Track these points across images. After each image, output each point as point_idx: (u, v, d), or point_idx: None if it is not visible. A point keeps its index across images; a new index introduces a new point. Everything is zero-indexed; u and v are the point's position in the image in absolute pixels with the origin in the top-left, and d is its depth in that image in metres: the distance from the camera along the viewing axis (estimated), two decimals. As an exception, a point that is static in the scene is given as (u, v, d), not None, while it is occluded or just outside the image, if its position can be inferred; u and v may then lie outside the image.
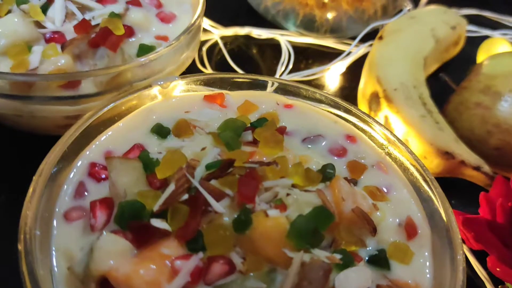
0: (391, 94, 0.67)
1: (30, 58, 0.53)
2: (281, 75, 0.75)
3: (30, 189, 0.39)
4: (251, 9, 0.89)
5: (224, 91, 0.53)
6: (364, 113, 0.53)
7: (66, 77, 0.50)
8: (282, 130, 0.48)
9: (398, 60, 0.71)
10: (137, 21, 0.60)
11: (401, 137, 0.65)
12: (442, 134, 0.64)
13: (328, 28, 0.86)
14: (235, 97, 0.53)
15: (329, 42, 0.88)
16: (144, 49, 0.58)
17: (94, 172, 0.44)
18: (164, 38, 0.61)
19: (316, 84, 0.80)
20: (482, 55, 0.86)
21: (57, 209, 0.41)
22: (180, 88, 0.52)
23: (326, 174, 0.44)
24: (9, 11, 0.58)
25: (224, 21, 0.87)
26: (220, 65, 0.79)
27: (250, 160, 0.44)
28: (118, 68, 0.51)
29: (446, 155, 0.63)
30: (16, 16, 0.55)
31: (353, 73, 0.82)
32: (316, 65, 0.84)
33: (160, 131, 0.48)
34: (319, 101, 0.54)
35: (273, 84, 0.54)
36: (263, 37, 0.86)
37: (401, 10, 0.90)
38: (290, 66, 0.77)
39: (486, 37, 0.95)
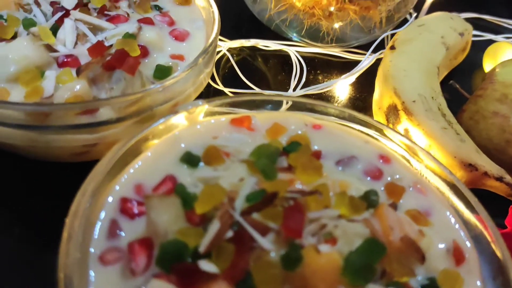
0: (410, 106, 0.65)
1: (44, 85, 0.50)
2: (295, 89, 0.73)
3: (65, 235, 0.36)
4: (253, 19, 0.87)
5: (250, 113, 0.51)
6: (395, 131, 0.51)
7: (86, 106, 0.47)
8: (318, 155, 0.47)
9: (413, 71, 0.70)
10: (151, 41, 0.58)
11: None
12: (464, 146, 0.63)
13: (333, 38, 0.84)
14: (261, 119, 0.51)
15: (334, 51, 0.87)
16: (161, 70, 0.56)
17: (127, 208, 0.41)
18: (180, 57, 0.59)
19: (327, 96, 0.78)
20: (488, 60, 0.86)
21: (91, 251, 0.39)
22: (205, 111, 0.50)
23: (371, 201, 0.42)
24: (15, 34, 0.55)
25: (228, 32, 0.84)
26: (230, 79, 0.76)
27: (289, 189, 0.42)
28: (139, 94, 0.49)
29: (470, 167, 0.62)
30: (26, 39, 0.52)
31: (362, 82, 0.81)
32: (325, 75, 0.82)
33: (190, 160, 0.46)
34: (349, 119, 0.52)
35: (299, 103, 0.52)
36: (270, 48, 0.83)
37: (406, 18, 0.89)
38: (303, 79, 0.75)
39: (489, 41, 0.95)
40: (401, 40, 0.76)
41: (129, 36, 0.55)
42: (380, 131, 0.51)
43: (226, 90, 0.71)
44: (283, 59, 0.84)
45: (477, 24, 1.00)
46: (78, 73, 0.51)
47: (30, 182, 0.57)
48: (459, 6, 1.02)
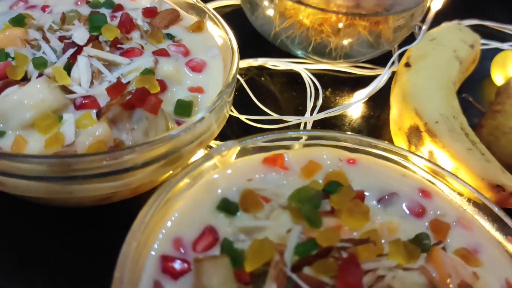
0: (433, 127, 0.64)
1: (63, 130, 0.47)
2: (312, 112, 0.71)
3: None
4: (255, 35, 0.85)
5: (282, 151, 0.49)
6: (433, 163, 0.49)
7: (114, 156, 0.44)
8: (361, 196, 0.45)
9: (432, 89, 0.69)
10: (169, 74, 0.55)
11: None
12: (490, 167, 0.62)
13: (342, 54, 0.83)
14: (294, 156, 0.49)
15: (342, 67, 0.85)
16: (183, 106, 0.53)
17: (168, 267, 0.39)
18: (199, 90, 0.56)
19: (341, 115, 0.77)
20: (496, 70, 0.86)
21: (137, 320, 0.36)
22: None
23: (423, 246, 0.41)
24: (25, 74, 0.51)
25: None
26: (242, 103, 0.74)
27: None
28: (167, 140, 0.46)
29: (497, 188, 0.61)
30: (40, 82, 0.49)
31: (375, 99, 0.79)
32: (337, 93, 0.81)
33: (228, 207, 0.43)
34: (384, 150, 0.50)
35: (332, 138, 0.50)
36: (279, 68, 0.81)
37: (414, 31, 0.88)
38: (320, 100, 0.73)
39: (494, 50, 0.95)
40: (415, 56, 0.74)
41: (148, 72, 0.52)
42: (416, 162, 0.49)
43: (243, 117, 0.69)
44: (292, 78, 0.82)
45: (480, 31, 0.99)
46: (98, 116, 0.48)
47: (48, 228, 0.54)
48: (461, 14, 1.01)
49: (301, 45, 0.82)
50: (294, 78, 0.82)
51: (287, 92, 0.79)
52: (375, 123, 0.77)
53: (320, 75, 0.82)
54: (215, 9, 0.89)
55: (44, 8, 0.62)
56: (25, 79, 0.52)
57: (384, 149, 0.50)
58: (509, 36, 1.01)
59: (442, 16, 0.96)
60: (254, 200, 0.44)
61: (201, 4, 0.63)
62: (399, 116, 0.69)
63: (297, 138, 0.50)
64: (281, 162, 0.48)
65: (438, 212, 0.47)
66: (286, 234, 0.40)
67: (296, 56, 0.84)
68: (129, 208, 0.57)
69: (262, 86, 0.80)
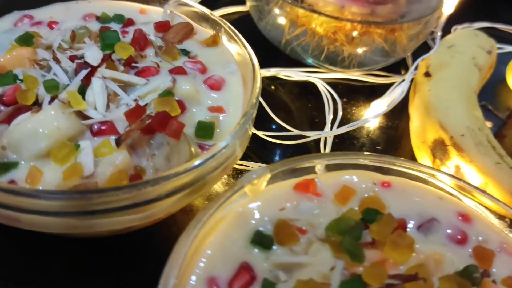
0: (459, 141, 0.62)
1: (81, 160, 0.44)
2: (332, 125, 0.69)
3: None
4: (264, 42, 0.82)
5: (313, 176, 0.46)
6: (468, 183, 0.47)
7: (139, 190, 0.41)
8: (403, 226, 0.42)
9: (455, 100, 0.67)
10: (187, 94, 0.52)
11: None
12: (520, 181, 0.60)
13: (356, 62, 0.80)
14: (326, 181, 0.46)
15: (355, 75, 0.82)
16: (204, 128, 0.50)
17: (205, 311, 0.36)
18: (219, 110, 0.53)
19: (358, 127, 0.74)
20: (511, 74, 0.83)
21: None
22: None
23: (473, 279, 0.38)
24: (36, 98, 0.48)
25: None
26: (257, 117, 0.71)
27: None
28: (194, 168, 0.43)
29: (528, 203, 0.59)
30: (53, 108, 0.45)
31: (392, 109, 0.77)
32: (352, 103, 0.78)
33: (262, 241, 0.40)
34: (419, 171, 0.48)
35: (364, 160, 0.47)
36: (293, 78, 0.78)
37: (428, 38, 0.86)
38: (340, 113, 0.71)
39: (508, 54, 0.93)
40: (435, 65, 0.72)
41: (167, 94, 0.49)
42: (454, 185, 0.47)
43: (260, 133, 0.66)
44: (306, 88, 0.79)
45: (491, 34, 0.97)
46: (118, 143, 0.45)
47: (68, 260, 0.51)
48: (471, 17, 0.99)
49: (313, 54, 0.80)
50: (307, 89, 0.79)
51: (302, 103, 0.77)
52: (394, 134, 0.74)
53: (334, 85, 0.80)
54: (221, 16, 0.87)
55: (51, 25, 0.59)
56: (36, 103, 0.48)
57: (420, 171, 0.48)
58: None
59: (452, 20, 0.94)
60: (289, 232, 0.41)
61: (216, 17, 0.61)
62: (421, 129, 0.66)
63: (327, 161, 0.47)
64: (313, 188, 0.45)
65: (480, 238, 0.44)
66: (329, 272, 0.37)
67: (307, 65, 0.82)
68: (149, 236, 0.54)
69: (275, 97, 0.77)
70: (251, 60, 0.55)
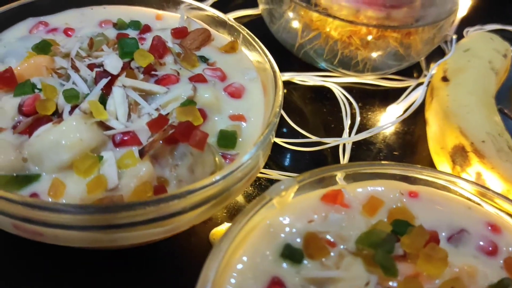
0: (480, 147, 0.61)
1: (105, 172, 0.43)
2: (350, 132, 0.68)
3: None
4: (275, 44, 0.81)
5: (340, 186, 0.46)
6: (499, 194, 0.46)
7: (167, 202, 0.40)
8: (436, 238, 0.41)
9: (473, 105, 0.66)
10: (208, 102, 0.51)
11: (499, 195, 0.59)
12: (541, 187, 0.59)
13: (370, 66, 0.79)
14: (353, 191, 0.46)
15: (369, 79, 0.82)
16: (226, 137, 0.50)
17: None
18: (240, 118, 0.52)
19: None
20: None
21: None
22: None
23: (510, 294, 0.38)
24: (56, 107, 0.47)
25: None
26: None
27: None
28: (220, 181, 0.42)
29: (550, 210, 0.58)
30: (75, 119, 0.44)
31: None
32: (368, 108, 0.77)
33: (293, 255, 0.40)
34: (446, 181, 0.47)
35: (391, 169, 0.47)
36: (307, 83, 0.78)
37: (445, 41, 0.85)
38: (358, 119, 0.70)
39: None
40: (452, 70, 0.71)
41: (189, 103, 0.48)
42: (483, 195, 0.46)
43: (279, 140, 0.65)
44: (321, 93, 0.78)
45: (502, 36, 0.97)
46: (142, 154, 0.44)
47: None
48: (482, 19, 0.99)
49: (326, 58, 0.79)
50: (322, 93, 0.78)
51: (316, 108, 0.76)
52: (410, 139, 0.74)
53: (348, 89, 0.79)
54: (234, 19, 0.86)
55: (66, 31, 0.58)
56: (56, 113, 0.48)
57: (446, 180, 0.47)
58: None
59: (464, 23, 0.94)
60: (319, 245, 0.40)
61: (234, 23, 0.60)
62: (440, 135, 0.65)
63: (354, 171, 0.47)
64: (340, 199, 0.45)
65: (511, 249, 0.44)
66: (364, 287, 0.36)
67: (319, 69, 0.81)
68: (169, 247, 0.53)
69: (290, 102, 0.76)
70: (272, 67, 0.54)
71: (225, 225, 0.56)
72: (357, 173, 0.47)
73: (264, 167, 0.63)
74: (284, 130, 0.69)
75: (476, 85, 0.69)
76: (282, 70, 0.76)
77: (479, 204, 0.47)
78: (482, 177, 0.60)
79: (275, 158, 0.66)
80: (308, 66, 0.82)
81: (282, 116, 0.70)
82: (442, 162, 0.65)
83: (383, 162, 0.48)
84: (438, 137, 0.66)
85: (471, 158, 0.61)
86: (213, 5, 0.87)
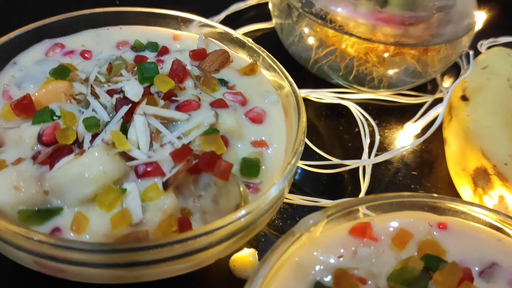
0: (503, 170, 0.60)
1: (128, 206, 0.42)
2: (370, 154, 0.67)
3: None
4: (288, 59, 0.80)
5: (369, 219, 0.45)
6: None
7: (193, 239, 0.39)
8: (469, 276, 0.40)
9: (495, 126, 0.65)
10: (230, 128, 0.50)
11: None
12: None
13: (386, 83, 0.78)
14: (381, 224, 0.45)
15: (384, 95, 0.81)
16: (250, 166, 0.49)
17: None
18: (262, 144, 0.51)
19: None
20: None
21: None
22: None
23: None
24: (76, 136, 0.46)
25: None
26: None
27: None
28: (249, 215, 0.41)
29: None
30: (98, 150, 0.43)
31: (424, 131, 0.75)
32: (385, 125, 0.76)
33: (324, 293, 0.39)
34: (476, 212, 0.46)
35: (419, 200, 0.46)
36: (324, 101, 0.77)
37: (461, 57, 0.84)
38: (377, 140, 0.69)
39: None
40: (471, 88, 0.70)
41: (212, 131, 0.47)
42: (510, 224, 0.45)
43: (301, 163, 0.64)
44: (337, 110, 0.77)
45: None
46: (166, 187, 0.43)
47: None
48: (496, 32, 0.98)
49: (341, 74, 0.78)
50: (338, 110, 0.77)
51: (333, 126, 0.75)
52: (428, 157, 0.73)
53: (364, 105, 0.78)
54: (245, 34, 0.85)
55: (83, 54, 0.57)
56: (76, 141, 0.46)
57: (476, 212, 0.46)
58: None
59: (478, 35, 0.92)
60: (350, 283, 0.39)
61: (253, 44, 0.59)
62: (462, 156, 0.64)
63: (382, 203, 0.46)
64: (369, 232, 0.44)
65: (544, 283, 0.43)
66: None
67: (333, 84, 0.80)
68: (191, 279, 0.52)
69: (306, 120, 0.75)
70: (294, 91, 0.53)
71: (245, 251, 0.55)
72: (386, 204, 0.46)
73: (283, 190, 0.62)
74: (305, 154, 0.67)
75: (497, 105, 0.68)
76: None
77: (509, 235, 0.46)
78: (505, 200, 0.59)
79: (294, 179, 0.65)
80: (322, 81, 0.81)
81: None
82: (463, 184, 0.64)
83: (411, 193, 0.47)
84: (459, 158, 0.65)
85: (493, 181, 0.60)
86: (225, 19, 0.87)
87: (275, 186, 0.44)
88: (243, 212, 0.42)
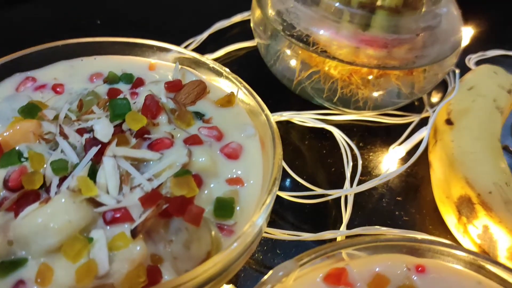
0: (487, 199, 0.59)
1: (95, 256, 0.41)
2: (352, 183, 0.66)
3: None
4: (271, 79, 0.79)
5: (344, 263, 0.43)
6: (507, 268, 0.44)
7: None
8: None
9: (480, 152, 0.64)
10: (204, 167, 0.49)
11: (507, 250, 0.57)
12: (551, 241, 0.57)
13: (371, 104, 0.77)
14: (357, 268, 0.43)
15: (369, 116, 0.79)
16: (223, 206, 0.47)
17: None
18: (238, 182, 0.50)
19: (375, 174, 0.71)
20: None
21: None
22: (293, 270, 0.42)
23: None
24: (44, 180, 0.45)
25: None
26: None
27: None
28: (220, 261, 0.40)
29: (561, 266, 0.56)
30: (64, 197, 0.42)
31: (410, 153, 0.74)
32: (370, 148, 0.75)
33: None
34: (453, 255, 0.45)
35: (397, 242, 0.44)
36: (307, 124, 0.75)
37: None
38: (360, 166, 0.67)
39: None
40: (456, 111, 0.69)
41: (184, 173, 0.46)
42: (492, 269, 0.44)
43: (283, 194, 0.63)
44: (321, 133, 0.76)
45: (505, 62, 0.95)
46: (134, 234, 0.42)
47: None
48: (484, 45, 0.97)
49: (325, 95, 0.76)
50: (322, 133, 0.76)
51: (316, 150, 0.74)
52: (414, 182, 0.71)
53: (349, 127, 0.77)
54: (229, 52, 0.84)
55: (55, 88, 0.55)
56: (44, 185, 0.45)
57: (455, 255, 0.45)
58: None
59: (466, 49, 0.91)
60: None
61: (231, 75, 0.57)
62: (446, 183, 0.63)
63: (357, 248, 0.44)
64: (344, 278, 0.42)
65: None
66: None
67: (319, 106, 0.79)
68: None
69: (289, 144, 0.74)
70: (270, 126, 0.52)
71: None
72: (361, 248, 0.44)
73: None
74: (287, 183, 0.66)
75: (482, 129, 0.66)
76: (280, 108, 0.74)
77: (488, 277, 0.45)
78: (489, 230, 0.58)
79: (274, 209, 0.64)
80: (306, 102, 0.79)
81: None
82: (448, 212, 0.63)
83: (387, 235, 0.46)
84: (443, 185, 0.64)
85: (478, 210, 0.59)
86: (209, 38, 0.85)
87: (249, 229, 0.42)
88: (215, 260, 0.40)
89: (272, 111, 0.71)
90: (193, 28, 0.88)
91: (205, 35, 0.87)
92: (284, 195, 0.62)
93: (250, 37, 0.86)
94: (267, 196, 0.46)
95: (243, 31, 0.90)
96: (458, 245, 0.45)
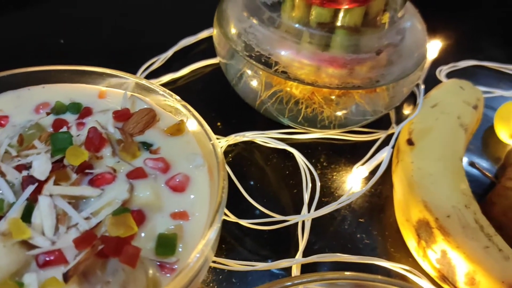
0: (445, 224, 0.58)
1: (25, 302, 0.40)
2: (309, 208, 0.65)
3: None
4: (236, 99, 0.78)
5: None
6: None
7: None
8: None
9: (440, 174, 0.63)
10: (147, 202, 0.48)
11: (466, 275, 0.56)
12: (510, 265, 0.56)
13: (336, 123, 0.76)
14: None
15: (333, 134, 0.78)
16: (165, 244, 0.46)
17: None
18: (183, 216, 0.49)
19: (338, 195, 0.70)
20: (500, 125, 0.80)
21: None
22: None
23: None
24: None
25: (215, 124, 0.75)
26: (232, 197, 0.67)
27: None
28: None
29: (520, 291, 0.55)
30: (-6, 241, 0.41)
31: (373, 172, 0.72)
32: (333, 168, 0.74)
33: None
34: None
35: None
36: (269, 145, 0.74)
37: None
38: (317, 194, 0.66)
39: (499, 98, 0.89)
40: (418, 130, 0.68)
41: (123, 211, 0.45)
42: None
43: (243, 222, 0.62)
44: (284, 154, 0.75)
45: (478, 73, 0.94)
46: (66, 279, 0.41)
47: None
48: (456, 56, 0.96)
49: (289, 115, 0.75)
50: (285, 153, 0.75)
51: (279, 170, 0.73)
52: (377, 202, 0.70)
53: (313, 146, 0.76)
54: (194, 70, 0.83)
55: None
56: (-22, 227, 0.44)
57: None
58: (506, 75, 0.95)
59: (438, 62, 0.91)
60: None
61: (180, 102, 0.56)
62: (405, 206, 0.62)
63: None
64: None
65: None
66: None
67: (286, 126, 0.78)
68: None
69: (251, 165, 0.73)
70: (216, 157, 0.51)
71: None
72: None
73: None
74: (245, 209, 0.65)
75: (443, 149, 0.65)
76: (244, 128, 0.73)
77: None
78: (447, 255, 0.57)
79: (233, 236, 0.63)
80: (273, 121, 0.78)
81: (238, 190, 0.66)
82: (408, 236, 0.62)
83: (335, 273, 0.44)
84: (403, 207, 0.63)
85: (436, 234, 0.58)
86: (174, 56, 0.84)
87: (190, 265, 0.41)
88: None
89: (235, 131, 0.70)
90: (158, 45, 0.87)
91: (170, 52, 0.86)
92: (243, 222, 0.61)
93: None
94: (207, 231, 0.44)
95: (210, 47, 0.88)
96: (404, 282, 0.44)
